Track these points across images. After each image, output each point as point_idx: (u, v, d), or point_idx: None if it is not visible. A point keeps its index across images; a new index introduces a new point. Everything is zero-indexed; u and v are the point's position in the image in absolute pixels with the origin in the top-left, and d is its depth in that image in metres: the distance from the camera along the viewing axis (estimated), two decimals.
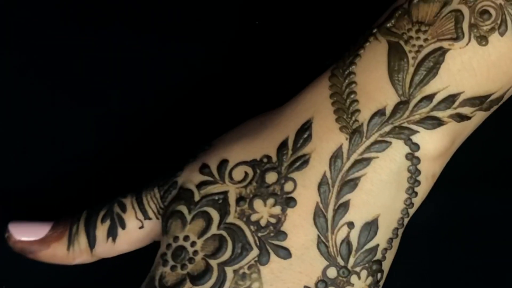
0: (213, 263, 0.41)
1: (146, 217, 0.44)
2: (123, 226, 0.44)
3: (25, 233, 0.45)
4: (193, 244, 0.42)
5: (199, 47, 0.51)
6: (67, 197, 0.49)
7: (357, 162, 0.42)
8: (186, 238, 0.42)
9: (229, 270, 0.41)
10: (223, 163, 0.43)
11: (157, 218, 0.44)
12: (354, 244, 0.42)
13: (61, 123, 0.50)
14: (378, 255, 0.42)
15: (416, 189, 0.43)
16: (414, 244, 0.47)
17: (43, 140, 0.50)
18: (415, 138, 0.42)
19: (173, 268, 0.42)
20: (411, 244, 0.45)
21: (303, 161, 0.42)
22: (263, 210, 0.42)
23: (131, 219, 0.44)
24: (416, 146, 0.42)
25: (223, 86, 0.50)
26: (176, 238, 0.42)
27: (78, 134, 0.50)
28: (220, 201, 0.42)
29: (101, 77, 0.50)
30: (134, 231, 0.44)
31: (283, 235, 0.41)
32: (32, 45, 0.50)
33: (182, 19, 0.51)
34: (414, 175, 0.42)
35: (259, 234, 0.41)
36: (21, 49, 0.50)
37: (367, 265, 0.42)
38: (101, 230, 0.44)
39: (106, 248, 0.44)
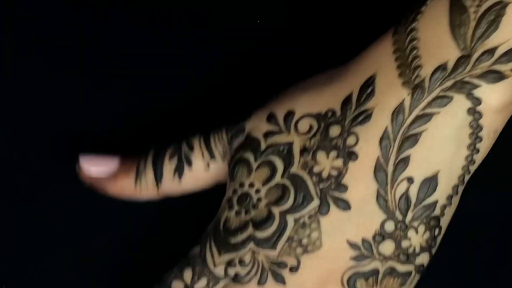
0: (275, 210, 0.43)
1: (213, 158, 0.46)
2: (190, 165, 0.46)
3: (94, 166, 0.47)
4: (257, 191, 0.44)
5: (200, 46, 0.51)
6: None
7: (418, 117, 0.42)
8: (251, 185, 0.44)
9: (290, 219, 0.43)
10: (290, 114, 0.44)
11: (223, 161, 0.46)
12: (413, 199, 0.43)
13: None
14: (437, 211, 0.43)
15: (477, 145, 0.43)
16: None
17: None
18: (477, 93, 0.42)
19: (237, 213, 0.44)
20: None
21: (365, 116, 0.43)
22: (326, 163, 0.43)
23: (198, 159, 0.46)
24: (478, 101, 0.42)
25: (223, 86, 0.50)
26: (241, 185, 0.44)
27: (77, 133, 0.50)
28: (285, 151, 0.44)
29: (101, 75, 0.51)
30: (200, 171, 0.46)
31: (343, 187, 0.43)
32: (33, 44, 0.51)
33: (182, 19, 0.51)
34: (476, 130, 0.43)
35: (321, 186, 0.43)
36: (21, 48, 0.51)
37: (425, 220, 0.43)
38: (168, 167, 0.46)
39: (172, 186, 0.46)
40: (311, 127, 0.44)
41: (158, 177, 0.46)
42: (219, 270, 0.43)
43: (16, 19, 0.51)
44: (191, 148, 0.46)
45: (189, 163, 0.46)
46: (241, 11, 0.51)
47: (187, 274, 0.44)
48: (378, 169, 0.43)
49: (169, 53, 0.51)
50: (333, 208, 0.43)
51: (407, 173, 0.43)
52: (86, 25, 0.51)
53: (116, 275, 0.47)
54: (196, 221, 0.46)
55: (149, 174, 0.46)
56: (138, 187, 0.46)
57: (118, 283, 0.47)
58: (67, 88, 0.50)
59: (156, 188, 0.46)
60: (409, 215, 0.43)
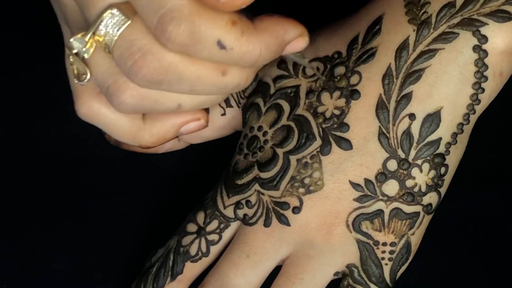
0: (280, 151, 0.43)
1: (228, 104, 0.47)
2: (207, 112, 0.47)
3: None
4: (264, 133, 0.44)
5: None
6: None
7: (423, 53, 0.41)
8: (259, 128, 0.44)
9: (293, 159, 0.43)
10: None
11: (238, 107, 0.46)
12: (416, 136, 0.42)
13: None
14: (441, 149, 0.42)
15: (483, 85, 0.42)
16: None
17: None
18: (483, 30, 0.41)
19: (245, 156, 0.44)
20: None
21: (370, 54, 0.42)
22: (329, 103, 0.43)
23: (214, 107, 0.47)
24: (485, 39, 0.41)
25: None
26: (251, 129, 0.45)
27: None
28: (292, 94, 0.44)
29: None
30: (217, 117, 0.47)
31: (345, 126, 0.42)
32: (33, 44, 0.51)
33: None
34: (481, 69, 0.41)
35: (323, 125, 0.43)
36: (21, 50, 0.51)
37: (428, 158, 0.42)
38: None
39: (192, 134, 0.46)
40: (317, 70, 0.44)
41: None
42: (229, 212, 0.44)
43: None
44: None
45: (206, 110, 0.47)
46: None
47: (200, 217, 0.45)
48: (380, 107, 0.42)
49: None
50: (335, 147, 0.42)
51: (409, 109, 0.42)
52: None
53: (116, 276, 0.47)
54: None
55: None
56: None
57: (117, 284, 0.48)
58: None
59: (177, 138, 0.47)
60: (412, 153, 0.42)
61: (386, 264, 0.42)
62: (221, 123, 0.47)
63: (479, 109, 0.42)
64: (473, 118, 0.42)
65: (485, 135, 0.46)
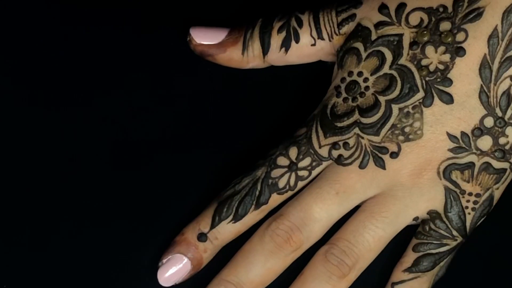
0: (382, 99, 0.45)
1: (320, 36, 0.48)
2: (297, 40, 0.48)
3: (204, 37, 0.49)
4: (365, 80, 0.46)
5: None
6: None
7: None
8: (359, 74, 0.46)
9: (395, 107, 0.45)
10: (401, 6, 0.46)
11: (329, 41, 0.47)
12: None
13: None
14: None
15: None
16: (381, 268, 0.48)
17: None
18: None
19: (345, 99, 0.46)
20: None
21: (477, 14, 0.44)
22: (434, 56, 0.45)
23: (305, 35, 0.48)
24: None
25: (222, 85, 0.50)
26: (350, 73, 0.46)
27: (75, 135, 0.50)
28: (395, 42, 0.45)
29: (99, 78, 0.50)
30: (306, 46, 0.48)
31: (448, 81, 0.45)
32: (32, 45, 0.51)
33: (183, 18, 0.51)
34: None
35: (427, 78, 0.45)
36: (19, 51, 0.51)
37: None
38: (276, 39, 0.48)
39: (277, 57, 0.48)
40: (421, 21, 0.45)
41: (265, 48, 0.48)
42: (323, 151, 0.46)
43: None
44: (300, 24, 0.48)
45: (297, 38, 0.48)
46: (241, 11, 0.51)
47: (293, 152, 0.46)
48: (484, 66, 0.44)
49: (163, 54, 0.51)
50: (436, 100, 0.45)
51: (511, 71, 0.44)
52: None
53: (116, 276, 0.48)
54: None
55: (256, 45, 0.48)
56: (245, 57, 0.48)
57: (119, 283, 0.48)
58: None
59: (262, 58, 0.48)
60: (509, 113, 0.45)
61: (469, 213, 0.46)
62: (309, 52, 0.48)
63: None
64: None
65: None
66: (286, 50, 0.48)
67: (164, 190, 0.49)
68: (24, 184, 0.49)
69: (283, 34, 0.48)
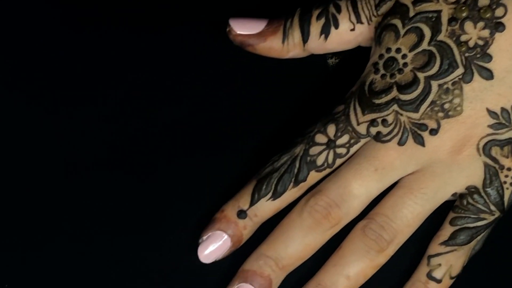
0: (421, 75, 0.45)
1: (359, 21, 0.47)
2: (336, 26, 0.48)
3: (244, 27, 0.49)
4: (404, 56, 0.46)
5: (200, 44, 0.51)
6: None
7: None
8: (398, 50, 0.46)
9: (434, 84, 0.45)
10: None
11: (368, 24, 0.47)
12: None
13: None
14: None
15: None
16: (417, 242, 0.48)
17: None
18: None
19: (383, 76, 0.46)
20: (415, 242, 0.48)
21: None
22: (473, 32, 0.45)
23: (344, 21, 0.48)
24: None
25: (222, 85, 0.50)
26: (388, 50, 0.46)
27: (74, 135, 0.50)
28: (433, 19, 0.45)
29: (98, 76, 0.51)
30: (345, 32, 0.48)
31: (488, 57, 0.45)
32: (31, 46, 0.51)
33: (182, 18, 0.51)
34: None
35: (466, 54, 0.45)
36: (19, 51, 0.51)
37: None
38: (315, 27, 0.48)
39: (317, 44, 0.48)
40: None
41: (305, 37, 0.48)
42: (361, 128, 0.46)
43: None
44: (338, 9, 0.48)
45: (336, 24, 0.48)
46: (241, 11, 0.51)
47: (331, 129, 0.46)
48: None
49: (163, 54, 0.51)
50: (476, 76, 0.45)
51: None
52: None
53: (116, 277, 0.48)
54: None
55: (296, 33, 0.48)
56: (286, 46, 0.49)
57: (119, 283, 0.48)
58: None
59: (302, 47, 0.48)
60: None
61: (507, 188, 0.46)
62: (348, 38, 0.48)
63: None
64: None
65: None
66: (326, 37, 0.48)
67: (165, 190, 0.49)
68: (25, 184, 0.49)
69: (322, 21, 0.48)
